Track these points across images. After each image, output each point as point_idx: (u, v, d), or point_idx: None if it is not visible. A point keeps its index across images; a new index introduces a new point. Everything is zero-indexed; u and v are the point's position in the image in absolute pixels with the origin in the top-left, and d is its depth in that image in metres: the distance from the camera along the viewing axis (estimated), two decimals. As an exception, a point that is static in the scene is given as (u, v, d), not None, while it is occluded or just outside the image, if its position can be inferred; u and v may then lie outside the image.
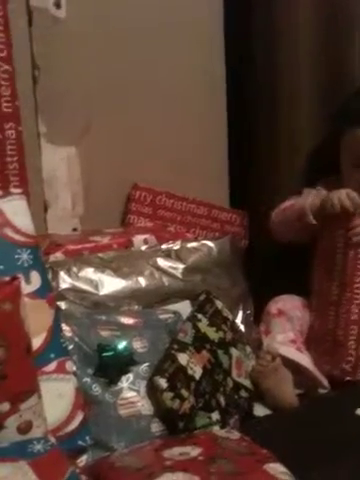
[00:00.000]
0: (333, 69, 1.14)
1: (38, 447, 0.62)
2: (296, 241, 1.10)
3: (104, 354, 0.80)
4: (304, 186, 1.15)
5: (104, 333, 0.83)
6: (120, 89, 1.09)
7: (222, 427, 0.86)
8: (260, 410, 0.95)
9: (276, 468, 0.69)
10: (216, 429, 0.84)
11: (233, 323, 1.00)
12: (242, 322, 1.05)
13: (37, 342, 0.72)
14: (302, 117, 1.15)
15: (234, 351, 0.94)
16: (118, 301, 0.93)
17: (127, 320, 0.87)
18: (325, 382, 1.00)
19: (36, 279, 0.75)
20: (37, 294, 0.75)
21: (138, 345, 0.84)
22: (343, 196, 1.00)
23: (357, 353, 1.01)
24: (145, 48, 1.11)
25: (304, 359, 1.00)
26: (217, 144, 1.19)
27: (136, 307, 0.94)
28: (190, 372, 0.84)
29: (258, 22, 1.15)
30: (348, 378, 1.01)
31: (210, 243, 1.06)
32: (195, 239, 1.09)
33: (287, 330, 1.04)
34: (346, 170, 1.08)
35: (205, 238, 1.11)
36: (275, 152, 1.18)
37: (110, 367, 0.80)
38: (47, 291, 0.76)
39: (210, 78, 1.16)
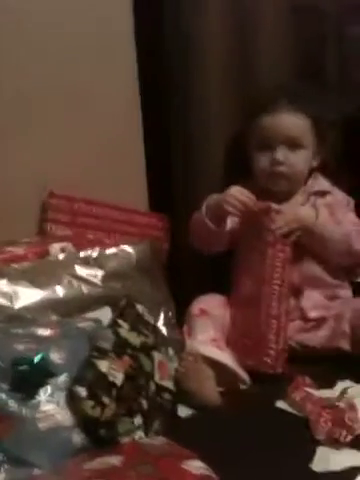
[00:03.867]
0: (241, 73, 1.18)
1: None
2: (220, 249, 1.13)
3: (19, 368, 0.79)
4: (221, 188, 1.17)
5: (19, 347, 0.82)
6: (34, 94, 1.08)
7: (145, 431, 0.87)
8: (184, 411, 0.96)
9: (193, 464, 0.72)
10: (142, 438, 0.84)
11: (155, 327, 1.00)
12: (164, 325, 1.06)
13: None
14: (212, 118, 1.18)
15: (156, 354, 0.95)
16: (35, 313, 0.92)
17: (44, 331, 0.86)
18: (246, 378, 1.02)
19: None
20: None
21: (56, 356, 0.83)
22: (238, 195, 1.04)
23: (277, 346, 1.04)
24: (58, 53, 1.09)
25: (224, 356, 1.01)
26: (133, 147, 1.20)
27: (54, 318, 0.93)
28: (111, 379, 0.84)
29: (169, 26, 1.17)
30: (271, 371, 1.03)
31: (129, 248, 1.06)
32: (114, 245, 1.08)
33: (208, 329, 1.05)
34: (254, 158, 1.13)
35: (124, 243, 1.10)
36: (190, 155, 1.20)
37: (25, 381, 0.79)
38: None
39: (123, 81, 1.17)
